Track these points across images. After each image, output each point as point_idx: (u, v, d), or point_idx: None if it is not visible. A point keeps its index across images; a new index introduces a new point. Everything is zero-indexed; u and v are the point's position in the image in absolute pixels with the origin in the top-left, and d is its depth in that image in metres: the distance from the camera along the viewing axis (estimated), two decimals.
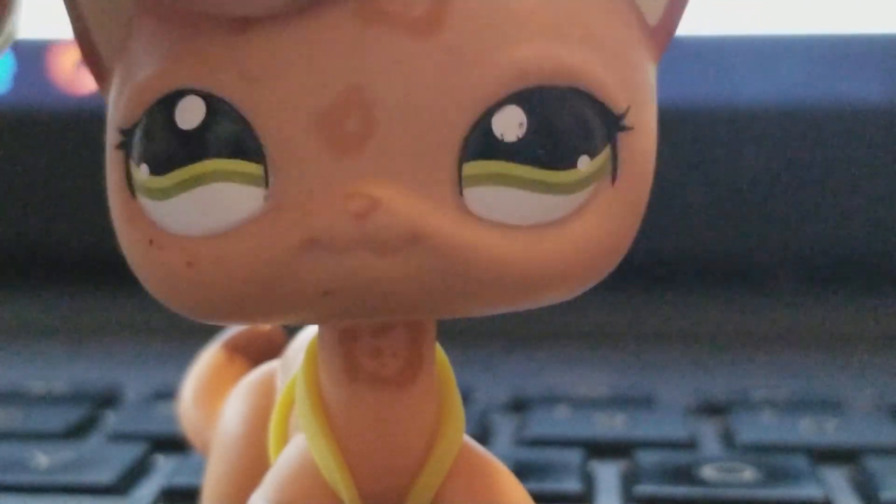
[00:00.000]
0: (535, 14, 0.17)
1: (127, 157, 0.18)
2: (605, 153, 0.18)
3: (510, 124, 0.17)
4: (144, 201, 0.18)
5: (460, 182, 0.17)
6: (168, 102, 0.17)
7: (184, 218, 0.18)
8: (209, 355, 0.29)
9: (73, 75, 0.50)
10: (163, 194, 0.18)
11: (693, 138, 0.49)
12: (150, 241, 0.18)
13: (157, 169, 0.18)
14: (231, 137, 0.17)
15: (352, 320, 0.19)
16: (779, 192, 0.50)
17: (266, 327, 0.28)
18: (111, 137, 0.18)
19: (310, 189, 0.17)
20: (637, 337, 0.48)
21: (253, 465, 0.23)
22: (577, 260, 0.18)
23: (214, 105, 0.17)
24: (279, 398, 0.22)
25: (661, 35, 0.19)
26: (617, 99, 0.18)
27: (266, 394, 0.24)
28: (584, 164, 0.17)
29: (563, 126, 0.17)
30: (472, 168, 0.17)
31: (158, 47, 0.18)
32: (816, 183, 0.50)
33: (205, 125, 0.17)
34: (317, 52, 0.17)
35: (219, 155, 0.17)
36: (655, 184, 0.19)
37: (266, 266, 0.17)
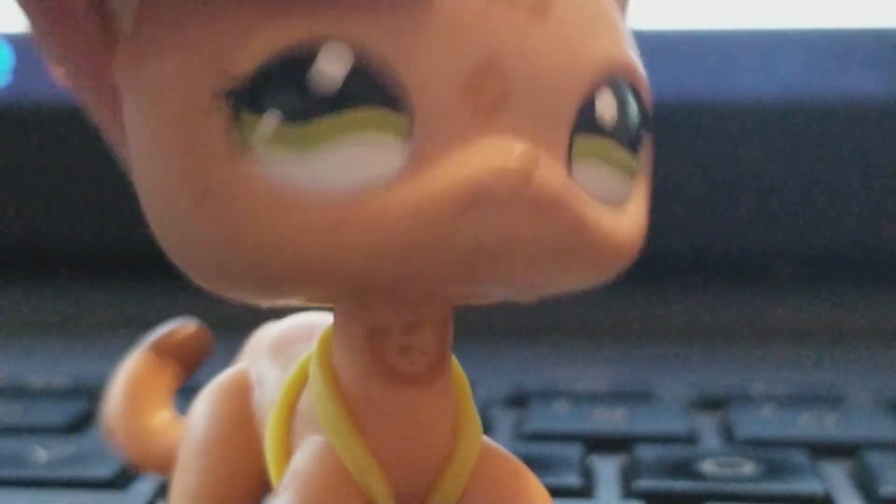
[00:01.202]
0: (607, 13, 0.19)
1: (235, 105, 0.17)
2: (641, 148, 0.19)
3: (607, 106, 0.18)
4: (266, 155, 0.17)
5: (570, 155, 0.18)
6: (307, 48, 0.16)
7: (324, 172, 0.17)
8: (136, 361, 0.27)
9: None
10: (298, 146, 0.16)
11: (691, 133, 0.49)
12: (275, 200, 0.17)
13: (294, 118, 0.16)
14: (381, 86, 0.17)
15: (471, 290, 0.19)
16: (778, 187, 0.50)
17: (191, 328, 0.27)
18: (198, 84, 0.17)
19: (460, 147, 0.17)
20: (637, 331, 0.48)
21: (232, 472, 0.23)
22: (635, 239, 0.19)
23: (361, 54, 0.17)
24: (278, 402, 0.22)
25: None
26: (649, 102, 0.19)
27: (239, 397, 0.23)
28: (640, 152, 0.19)
29: (633, 114, 0.19)
30: (581, 141, 0.18)
31: None
32: (816, 178, 0.50)
33: (353, 73, 0.17)
34: (453, 20, 0.17)
35: (369, 103, 0.17)
36: (654, 178, 0.20)
37: (427, 224, 0.17)
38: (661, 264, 0.45)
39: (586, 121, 0.18)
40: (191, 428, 0.24)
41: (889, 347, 0.46)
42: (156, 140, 0.17)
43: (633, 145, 0.19)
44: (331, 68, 0.17)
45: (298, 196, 0.17)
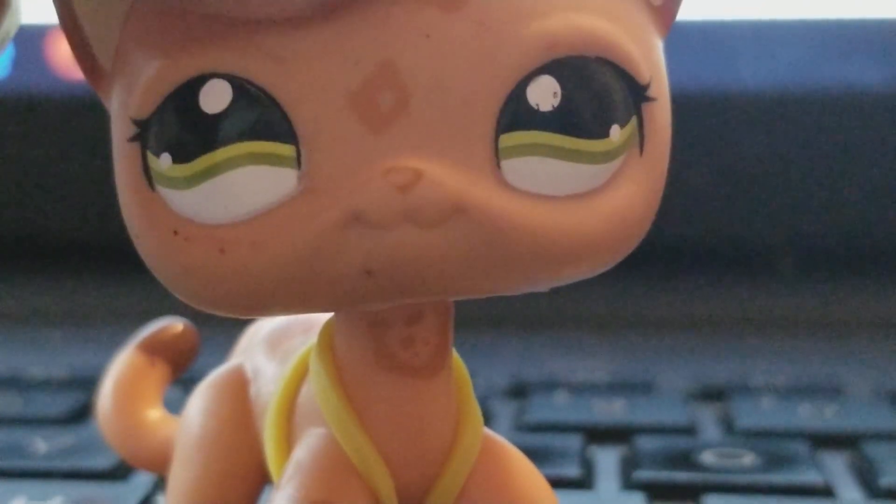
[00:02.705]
0: None
1: (143, 148, 0.18)
2: (633, 123, 0.18)
3: (545, 94, 0.17)
4: (166, 192, 0.18)
5: (497, 154, 0.17)
6: (190, 89, 0.17)
7: (211, 205, 0.17)
8: (126, 359, 0.27)
9: (72, 60, 0.50)
10: (188, 182, 0.17)
11: (693, 123, 0.49)
12: (175, 232, 0.18)
13: (182, 157, 0.17)
14: (261, 119, 0.17)
15: (387, 303, 0.18)
16: (779, 178, 0.50)
17: (179, 327, 0.27)
18: (122, 131, 0.18)
19: (347, 166, 0.17)
20: (637, 323, 0.48)
21: (229, 467, 0.23)
22: (611, 229, 0.18)
23: (241, 87, 0.17)
24: (277, 395, 0.22)
25: (665, 14, 0.19)
26: (640, 69, 0.18)
27: (235, 393, 0.23)
28: (616, 133, 0.18)
29: (596, 95, 0.17)
30: (509, 139, 0.17)
31: (170, 36, 0.17)
32: (816, 168, 0.50)
33: (232, 108, 0.17)
34: (346, 29, 0.17)
35: (249, 137, 0.17)
36: None
37: (307, 245, 0.17)
38: (661, 256, 0.45)
39: (515, 115, 0.17)
40: (187, 423, 0.24)
41: (889, 338, 0.46)
42: (115, 172, 0.19)
43: (597, 129, 0.17)
44: (209, 105, 0.17)
45: (191, 229, 0.17)
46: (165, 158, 0.17)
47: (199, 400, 0.24)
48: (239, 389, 0.23)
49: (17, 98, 0.51)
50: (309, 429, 0.21)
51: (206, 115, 0.17)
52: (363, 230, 0.17)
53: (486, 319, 0.42)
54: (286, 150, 0.17)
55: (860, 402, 0.38)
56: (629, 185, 0.18)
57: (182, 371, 0.27)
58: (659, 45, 0.19)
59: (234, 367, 0.24)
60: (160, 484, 0.31)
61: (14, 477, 0.32)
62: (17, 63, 0.51)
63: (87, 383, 0.39)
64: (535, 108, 0.17)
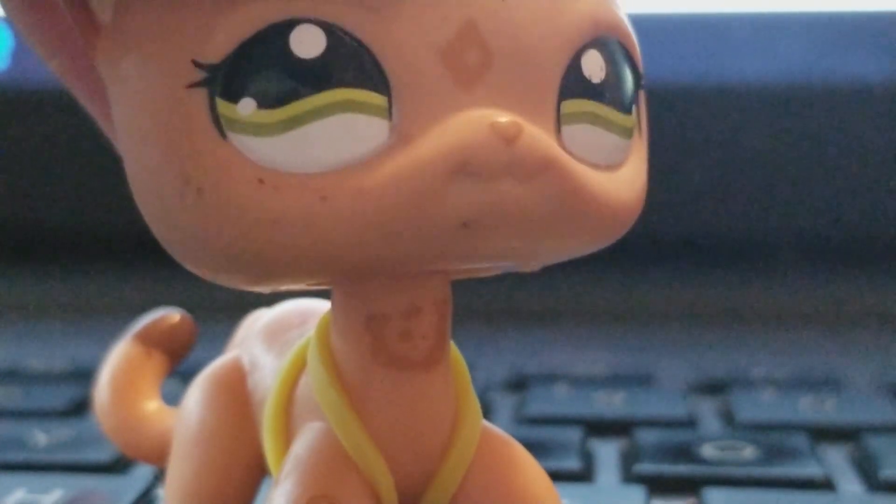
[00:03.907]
0: None
1: (210, 94, 0.17)
2: (636, 107, 0.19)
3: (595, 67, 0.18)
4: (244, 139, 0.17)
5: (559, 119, 0.18)
6: (278, 32, 0.17)
7: (302, 153, 0.17)
8: (123, 350, 0.27)
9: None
10: (277, 129, 0.17)
11: (692, 116, 0.49)
12: (261, 181, 0.17)
13: (270, 102, 0.17)
14: (356, 66, 0.17)
15: (468, 263, 0.18)
16: (778, 171, 0.50)
17: (176, 317, 0.27)
18: (175, 76, 0.17)
19: (441, 118, 0.17)
20: (637, 315, 0.48)
21: (228, 460, 0.23)
22: (631, 201, 0.19)
23: (334, 35, 0.17)
24: (275, 389, 0.22)
25: None
26: (639, 59, 0.19)
27: (233, 385, 0.23)
28: (634, 112, 0.19)
29: (623, 74, 0.19)
30: (569, 106, 0.18)
31: None
32: (816, 161, 0.49)
33: (327, 54, 0.17)
34: None
35: (345, 84, 0.17)
36: (655, 162, 0.20)
37: (413, 193, 0.17)
38: (661, 248, 0.45)
39: (573, 83, 0.18)
40: (185, 416, 0.24)
41: (889, 332, 0.46)
42: (139, 130, 0.18)
43: (626, 106, 0.19)
44: (302, 51, 0.17)
45: (279, 177, 0.17)
46: (247, 104, 0.17)
47: (197, 392, 0.24)
48: (236, 382, 0.23)
49: (16, 90, 0.51)
50: (307, 423, 0.21)
51: (299, 59, 0.16)
52: (466, 181, 0.17)
53: (485, 312, 0.42)
54: (379, 99, 0.17)
55: (860, 394, 0.38)
56: (637, 162, 0.19)
57: (179, 361, 0.27)
58: None
59: (232, 360, 0.24)
60: (160, 477, 0.31)
61: (14, 469, 0.32)
62: (16, 55, 0.51)
63: (87, 376, 0.39)
64: (589, 78, 0.18)
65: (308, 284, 0.20)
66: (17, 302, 0.51)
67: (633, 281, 0.48)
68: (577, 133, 0.18)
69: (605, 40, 0.18)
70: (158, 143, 0.17)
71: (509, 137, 0.17)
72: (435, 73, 0.17)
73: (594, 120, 0.18)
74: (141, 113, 0.17)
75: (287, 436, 0.21)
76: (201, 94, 0.17)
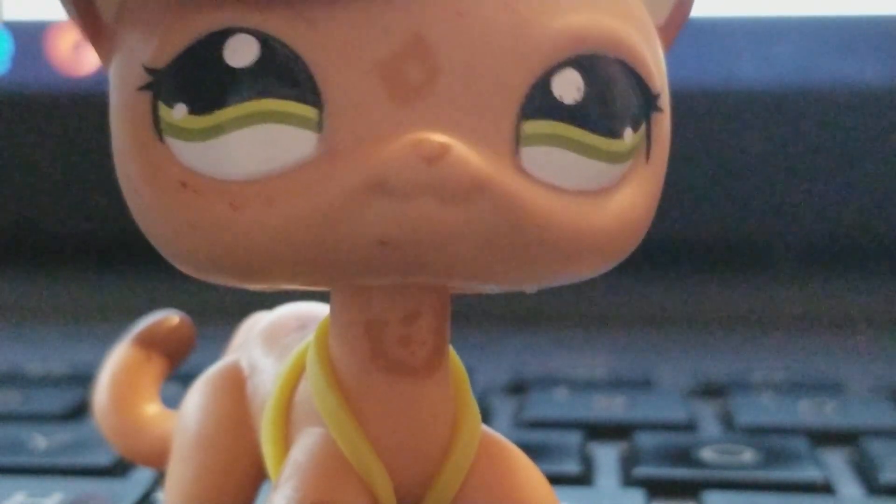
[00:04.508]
0: None
1: (155, 97, 0.17)
2: (642, 130, 0.18)
3: (569, 87, 0.17)
4: (175, 143, 0.17)
5: (518, 140, 0.17)
6: (214, 41, 0.17)
7: (226, 160, 0.17)
8: (122, 353, 0.27)
9: (71, 56, 0.50)
10: (203, 134, 0.17)
11: (693, 120, 0.49)
12: (184, 184, 0.17)
13: (199, 108, 0.17)
14: (288, 78, 0.17)
15: (391, 279, 0.18)
16: (778, 175, 0.50)
17: (175, 320, 0.27)
18: (130, 79, 0.17)
19: (370, 134, 0.17)
20: (636, 319, 0.48)
21: (227, 464, 0.23)
22: (616, 230, 0.18)
23: (268, 45, 0.17)
24: (274, 394, 0.22)
25: (668, 32, 0.20)
26: (654, 78, 0.18)
27: (232, 389, 0.23)
28: (628, 136, 0.18)
29: (614, 95, 0.18)
30: (531, 127, 0.17)
31: None
32: (816, 165, 0.50)
33: (258, 64, 0.17)
34: (375, 2, 0.17)
35: (273, 95, 0.17)
36: None
37: (325, 208, 0.17)
38: (661, 252, 0.45)
39: (539, 103, 0.17)
40: (184, 420, 0.24)
41: (889, 335, 0.46)
42: (113, 128, 0.18)
43: (612, 129, 0.18)
44: (235, 60, 0.17)
45: (200, 182, 0.17)
46: (180, 109, 0.17)
47: (196, 396, 0.24)
48: (236, 386, 0.23)
49: (17, 94, 0.51)
50: (306, 428, 0.21)
51: (231, 68, 0.17)
52: (384, 198, 0.17)
53: (485, 316, 0.42)
54: (309, 111, 0.17)
55: (860, 398, 0.38)
56: (635, 190, 0.18)
57: (178, 364, 0.27)
58: (664, 60, 0.19)
59: (231, 364, 0.24)
60: (159, 480, 0.31)
61: (13, 473, 0.32)
62: (17, 59, 0.51)
63: (87, 379, 0.39)
64: (559, 99, 0.17)
65: (302, 285, 0.20)
66: (16, 305, 0.51)
67: (633, 285, 0.48)
68: (542, 155, 0.17)
69: (593, 59, 0.17)
70: (115, 142, 0.18)
71: (430, 157, 0.16)
72: (370, 88, 0.17)
73: (562, 143, 0.17)
74: (112, 113, 0.18)
75: (286, 441, 0.21)
76: (147, 97, 0.17)
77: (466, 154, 0.17)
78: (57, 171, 0.52)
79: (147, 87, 0.17)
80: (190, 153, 0.17)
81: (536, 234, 0.17)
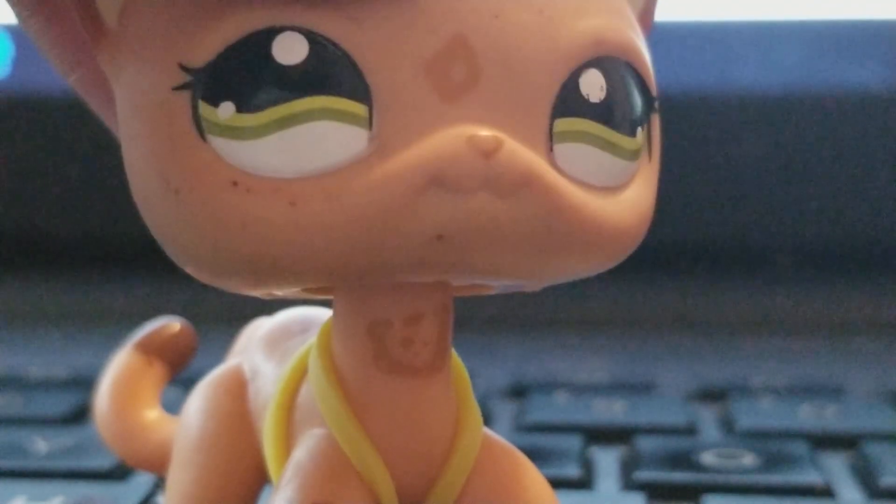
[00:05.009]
0: None
1: (194, 96, 0.17)
2: (646, 129, 0.19)
3: (594, 86, 0.18)
4: (222, 142, 0.17)
5: (551, 137, 0.18)
6: (260, 38, 0.17)
7: (278, 158, 0.17)
8: (123, 359, 0.27)
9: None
10: (254, 133, 0.17)
11: (693, 124, 0.49)
12: (235, 183, 0.17)
13: (249, 106, 0.17)
14: (338, 75, 0.17)
15: (443, 275, 0.18)
16: (778, 179, 0.50)
17: (176, 326, 0.27)
18: (163, 78, 0.17)
19: (420, 131, 0.17)
20: (637, 323, 0.48)
21: (228, 467, 0.23)
22: (634, 224, 0.19)
23: (317, 43, 0.17)
24: (276, 396, 0.22)
25: (643, 23, 0.20)
26: (652, 82, 0.19)
27: (234, 393, 0.23)
28: (639, 134, 0.19)
29: (628, 95, 0.18)
30: (563, 124, 0.18)
31: None
32: (816, 169, 0.50)
33: (308, 62, 0.17)
34: (417, 1, 0.17)
35: (325, 92, 0.17)
36: None
37: (386, 202, 0.17)
38: (661, 256, 0.45)
39: (569, 102, 0.18)
40: (185, 424, 0.24)
41: (889, 339, 0.46)
42: (132, 130, 0.18)
43: (629, 127, 0.18)
44: (284, 57, 0.17)
45: (252, 181, 0.17)
46: (227, 107, 0.17)
47: (198, 400, 0.24)
48: (237, 389, 0.23)
49: (17, 97, 0.51)
50: (308, 429, 0.21)
51: (280, 66, 0.17)
52: (441, 194, 0.17)
53: (486, 320, 0.42)
54: (359, 108, 0.17)
55: (860, 402, 0.38)
56: (642, 187, 0.19)
57: (180, 371, 0.27)
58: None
59: (233, 367, 0.24)
60: (160, 484, 0.31)
61: (14, 477, 0.32)
62: (17, 62, 0.51)
63: (87, 383, 0.39)
64: (586, 97, 0.18)
65: (310, 291, 0.20)
66: (17, 309, 0.51)
67: (633, 289, 0.48)
68: (572, 152, 0.18)
69: (610, 61, 0.18)
70: (144, 144, 0.18)
71: (487, 151, 0.17)
72: (418, 85, 0.17)
73: (591, 140, 0.18)
74: (133, 114, 0.18)
75: (288, 442, 0.21)
76: (185, 97, 0.17)
77: (518, 148, 0.17)
78: (58, 175, 0.52)
79: (184, 86, 0.17)
80: (239, 152, 0.17)
81: (574, 227, 0.18)
